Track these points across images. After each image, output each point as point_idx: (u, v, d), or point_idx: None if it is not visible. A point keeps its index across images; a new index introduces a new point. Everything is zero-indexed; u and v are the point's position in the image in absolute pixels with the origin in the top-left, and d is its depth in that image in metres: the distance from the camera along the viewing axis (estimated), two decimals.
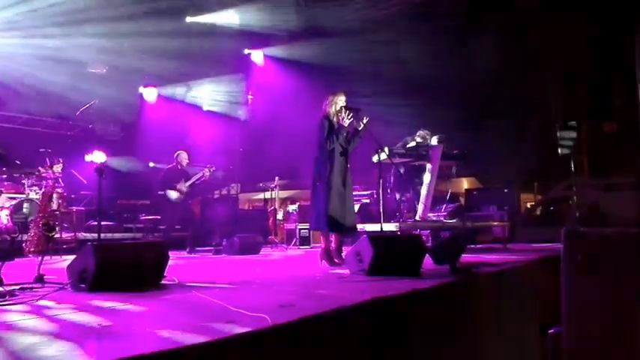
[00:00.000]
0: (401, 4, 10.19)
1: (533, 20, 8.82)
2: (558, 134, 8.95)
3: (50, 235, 5.70)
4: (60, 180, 7.92)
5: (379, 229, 5.65)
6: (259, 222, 10.55)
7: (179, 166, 8.85)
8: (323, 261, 5.44)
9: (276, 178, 10.30)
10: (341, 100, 5.54)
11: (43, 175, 7.26)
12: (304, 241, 9.58)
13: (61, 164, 7.05)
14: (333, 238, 5.57)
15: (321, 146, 5.42)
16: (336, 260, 5.41)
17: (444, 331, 3.36)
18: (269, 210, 10.43)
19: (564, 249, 2.02)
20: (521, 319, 3.94)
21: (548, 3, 8.74)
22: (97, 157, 6.61)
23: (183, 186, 8.65)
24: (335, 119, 5.50)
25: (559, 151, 8.94)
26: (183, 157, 8.90)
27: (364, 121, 5.50)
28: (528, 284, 4.60)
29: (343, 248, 5.56)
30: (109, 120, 11.75)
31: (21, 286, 3.56)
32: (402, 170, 7.36)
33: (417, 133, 7.63)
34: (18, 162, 8.02)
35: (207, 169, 8.82)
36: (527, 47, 9.37)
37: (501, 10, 9.05)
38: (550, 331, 2.17)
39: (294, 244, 9.66)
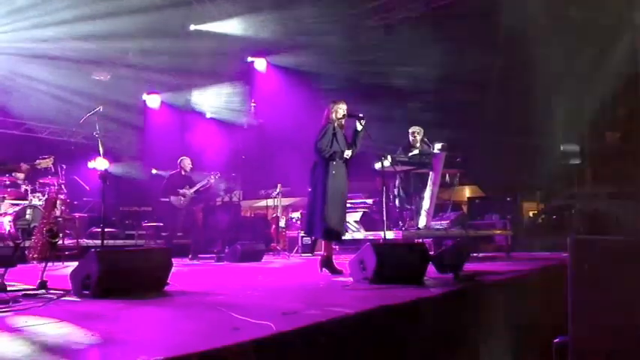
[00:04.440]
0: (403, 13, 10.24)
1: (534, 28, 8.83)
2: (561, 142, 8.96)
3: (53, 241, 5.69)
4: (63, 186, 7.93)
5: (382, 237, 5.64)
6: (261, 229, 10.54)
7: (183, 172, 8.86)
8: (323, 269, 5.42)
9: (279, 185, 10.30)
10: (342, 109, 5.54)
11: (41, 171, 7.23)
12: (306, 248, 9.56)
13: (51, 159, 6.98)
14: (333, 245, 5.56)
15: (321, 151, 5.38)
16: (337, 268, 5.38)
17: (448, 339, 3.35)
18: (271, 217, 10.42)
19: (571, 258, 2.02)
20: (525, 327, 3.93)
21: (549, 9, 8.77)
22: (100, 163, 6.63)
23: (188, 192, 8.65)
24: (337, 126, 5.50)
25: (562, 159, 8.94)
26: (187, 162, 8.91)
27: (362, 123, 5.48)
28: (532, 293, 4.58)
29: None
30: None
31: (24, 292, 3.56)
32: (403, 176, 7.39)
33: (411, 130, 7.72)
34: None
35: (212, 176, 8.82)
36: (529, 54, 9.39)
37: (503, 18, 9.08)
38: (556, 340, 2.17)
39: (296, 252, 9.64)
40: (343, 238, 5.67)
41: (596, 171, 9.89)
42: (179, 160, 8.92)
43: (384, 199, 5.88)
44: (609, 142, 10.20)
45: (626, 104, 9.40)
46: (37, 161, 6.97)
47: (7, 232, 7.60)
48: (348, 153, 5.37)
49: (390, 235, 6.12)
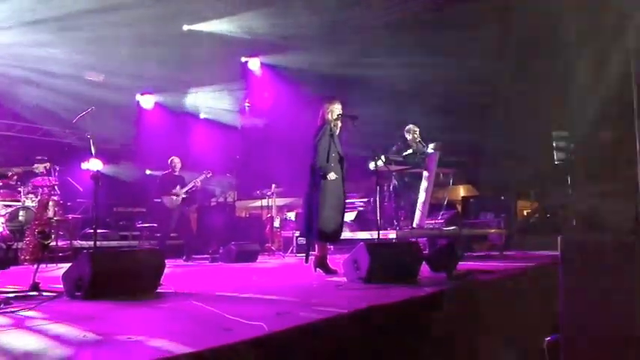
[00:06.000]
0: (397, 13, 10.23)
1: (530, 27, 8.87)
2: (554, 142, 8.99)
3: (46, 242, 5.66)
4: (56, 188, 7.89)
5: (376, 237, 5.64)
6: (256, 230, 10.52)
7: (174, 172, 8.86)
8: (317, 269, 5.41)
9: (273, 185, 10.28)
10: (337, 108, 5.53)
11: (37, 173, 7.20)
12: (301, 248, 9.54)
13: (47, 164, 6.98)
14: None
15: (318, 153, 5.38)
16: (332, 268, 5.38)
17: (442, 338, 3.35)
18: (266, 218, 10.41)
19: (562, 257, 2.03)
20: (518, 326, 3.94)
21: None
22: (94, 164, 6.60)
23: (180, 191, 8.65)
24: (333, 126, 5.49)
25: (555, 158, 8.98)
26: (177, 162, 8.92)
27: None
28: (525, 292, 4.60)
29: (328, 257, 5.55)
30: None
31: (16, 294, 3.54)
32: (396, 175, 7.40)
33: (406, 129, 7.70)
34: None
35: (198, 180, 8.84)
36: (525, 55, 9.42)
37: (497, 16, 9.10)
38: (548, 339, 2.17)
39: (291, 252, 9.63)
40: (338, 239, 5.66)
41: (589, 170, 9.93)
42: (169, 161, 8.93)
43: (378, 198, 5.88)
44: (603, 142, 10.25)
45: (619, 103, 9.45)
46: (35, 165, 6.97)
47: None
48: (331, 176, 5.31)
49: (384, 234, 6.12)
